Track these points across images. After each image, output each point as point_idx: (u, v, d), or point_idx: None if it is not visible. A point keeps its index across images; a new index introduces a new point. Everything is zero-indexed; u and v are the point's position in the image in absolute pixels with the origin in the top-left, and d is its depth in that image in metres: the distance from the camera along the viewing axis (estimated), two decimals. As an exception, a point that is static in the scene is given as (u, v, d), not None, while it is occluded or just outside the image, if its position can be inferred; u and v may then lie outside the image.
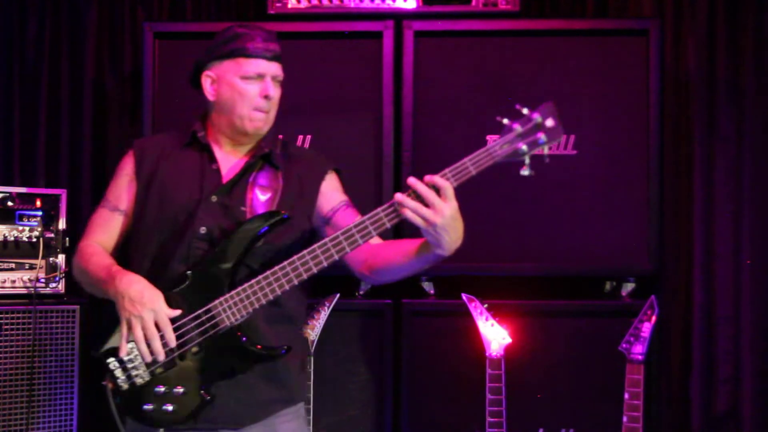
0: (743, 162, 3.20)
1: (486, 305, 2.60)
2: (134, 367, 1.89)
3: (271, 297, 1.86)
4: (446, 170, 1.73)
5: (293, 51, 2.86)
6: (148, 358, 1.84)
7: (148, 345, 1.83)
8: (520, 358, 2.68)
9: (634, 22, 2.95)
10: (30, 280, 2.84)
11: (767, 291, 3.19)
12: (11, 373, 2.76)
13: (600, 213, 2.86)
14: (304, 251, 1.85)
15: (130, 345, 1.86)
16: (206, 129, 2.09)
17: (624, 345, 2.56)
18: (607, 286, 2.97)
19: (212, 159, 2.04)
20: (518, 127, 1.73)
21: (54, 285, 2.89)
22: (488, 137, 2.81)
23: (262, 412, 1.99)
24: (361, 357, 2.81)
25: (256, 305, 1.87)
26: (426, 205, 1.70)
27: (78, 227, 3.26)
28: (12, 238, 2.85)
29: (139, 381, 1.89)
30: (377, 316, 2.81)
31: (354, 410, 2.80)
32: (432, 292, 2.92)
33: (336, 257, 1.83)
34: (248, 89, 1.99)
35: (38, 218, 2.88)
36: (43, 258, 2.87)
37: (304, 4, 2.98)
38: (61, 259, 2.91)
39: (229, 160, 2.06)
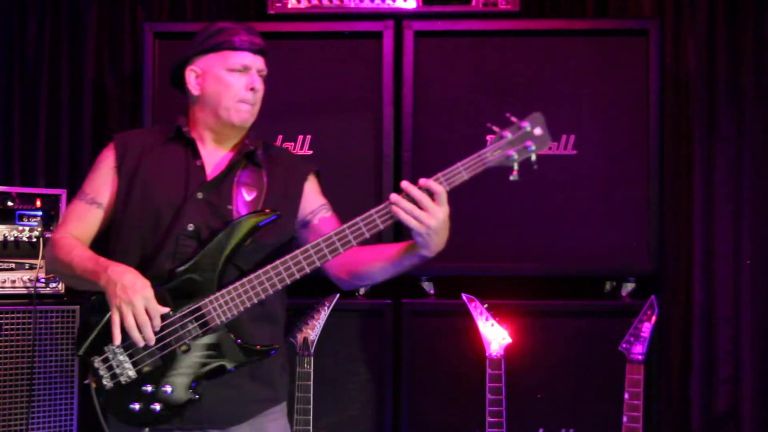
0: (743, 162, 3.20)
1: (486, 305, 2.60)
2: (119, 366, 1.87)
3: (263, 296, 1.87)
4: (439, 174, 1.78)
5: (293, 51, 2.89)
6: (141, 344, 1.82)
7: (140, 332, 1.81)
8: (520, 358, 2.68)
9: (634, 22, 2.95)
10: (30, 280, 2.84)
11: (767, 291, 3.19)
12: (11, 373, 2.76)
13: (600, 213, 2.86)
14: (297, 252, 1.86)
15: (112, 344, 1.85)
16: (189, 125, 2.08)
17: (624, 345, 2.56)
18: (607, 286, 2.97)
19: (196, 155, 2.03)
20: (509, 135, 1.80)
21: (54, 285, 2.89)
22: (488, 137, 2.80)
23: (249, 412, 1.99)
24: (361, 357, 2.81)
25: (248, 304, 1.87)
26: (420, 207, 1.75)
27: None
28: (12, 238, 2.85)
29: (124, 380, 1.88)
30: (377, 316, 2.81)
31: (354, 410, 2.80)
32: (432, 292, 2.92)
33: (329, 257, 1.85)
34: (234, 81, 2.00)
35: (38, 218, 2.88)
36: (43, 258, 2.87)
37: (304, 4, 2.98)
38: (61, 259, 2.91)
39: (212, 156, 2.05)
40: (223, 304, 1.87)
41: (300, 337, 2.60)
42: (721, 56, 3.22)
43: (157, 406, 1.87)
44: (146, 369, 1.87)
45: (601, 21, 3.10)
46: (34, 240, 2.87)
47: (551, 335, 2.79)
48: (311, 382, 2.57)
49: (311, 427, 2.55)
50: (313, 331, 2.61)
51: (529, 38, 2.90)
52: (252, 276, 1.87)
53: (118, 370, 1.88)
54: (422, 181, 1.76)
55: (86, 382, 1.91)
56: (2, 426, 2.73)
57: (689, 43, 3.23)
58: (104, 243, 2.07)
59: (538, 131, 1.81)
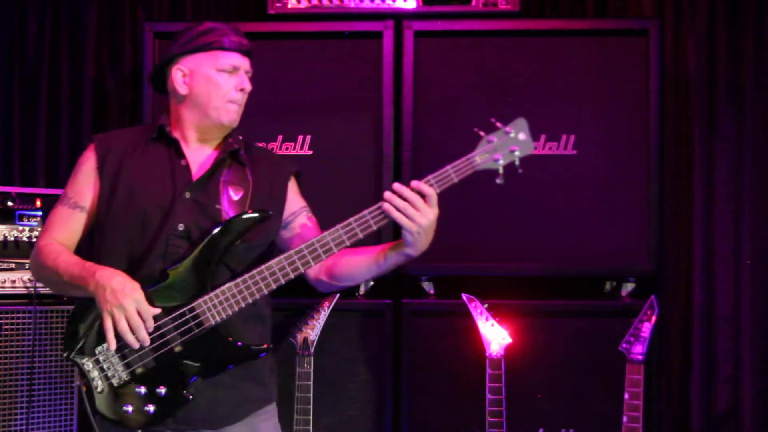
0: (743, 162, 3.20)
1: (486, 305, 2.60)
2: (110, 367, 1.86)
3: (257, 296, 1.87)
4: (430, 177, 1.84)
5: (293, 51, 2.88)
6: (136, 346, 1.81)
7: (134, 334, 1.80)
8: (520, 358, 2.68)
9: (634, 22, 2.95)
10: (30, 280, 2.84)
11: (767, 291, 3.19)
12: (11, 373, 2.76)
13: (600, 213, 2.86)
14: (291, 252, 1.87)
15: (103, 346, 1.84)
16: (171, 124, 2.06)
17: (624, 345, 2.56)
18: (607, 286, 2.97)
19: (180, 154, 2.02)
20: (495, 140, 1.88)
21: (54, 285, 2.89)
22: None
23: (242, 411, 1.98)
24: (361, 357, 2.80)
25: (242, 304, 1.87)
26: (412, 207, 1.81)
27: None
28: (12, 238, 2.85)
29: (116, 381, 1.86)
30: (377, 316, 2.81)
31: (354, 410, 2.80)
32: (432, 292, 2.92)
33: (323, 257, 1.87)
34: (223, 82, 2.00)
35: (38, 218, 2.88)
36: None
37: (304, 4, 2.98)
38: (61, 259, 2.91)
39: (196, 155, 2.04)
40: (218, 304, 1.86)
41: (300, 337, 2.60)
42: (721, 56, 3.22)
43: (151, 408, 1.86)
44: (139, 370, 1.86)
45: (601, 21, 3.10)
46: (34, 240, 2.87)
47: (551, 335, 2.79)
48: (311, 382, 2.57)
49: (311, 427, 2.55)
50: (313, 331, 2.61)
51: (529, 38, 2.90)
52: (246, 276, 1.86)
53: (109, 372, 1.87)
54: (414, 183, 1.82)
55: (76, 384, 1.90)
56: (2, 426, 2.73)
57: (689, 43, 3.23)
58: (88, 246, 2.05)
59: (521, 136, 1.88)
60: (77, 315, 1.90)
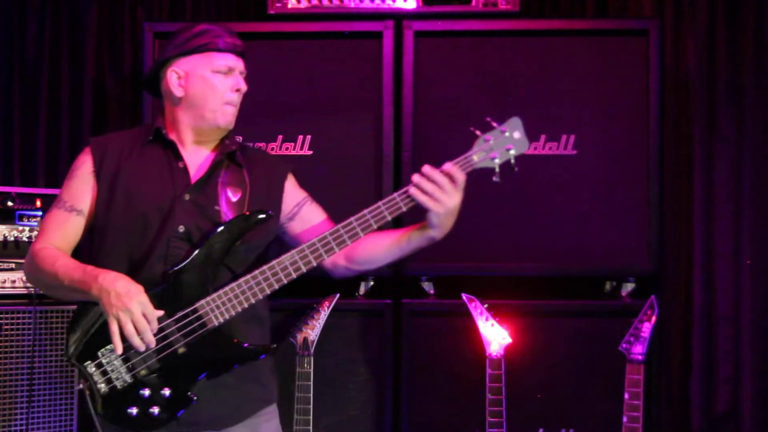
0: (743, 162, 3.20)
1: (486, 305, 2.60)
2: (114, 370, 1.86)
3: (260, 296, 1.87)
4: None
5: (293, 51, 2.88)
6: (142, 349, 1.81)
7: (141, 337, 1.80)
8: (520, 358, 2.68)
9: (634, 22, 2.95)
10: (30, 280, 2.84)
11: (767, 291, 3.19)
12: (11, 373, 2.76)
13: (600, 213, 2.86)
14: (293, 251, 1.88)
15: (108, 347, 1.84)
16: (166, 126, 2.06)
17: (624, 345, 2.56)
18: (607, 286, 2.97)
19: (178, 156, 2.01)
20: (491, 140, 1.91)
21: (54, 285, 2.89)
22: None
23: (244, 412, 1.99)
24: (361, 357, 2.80)
25: (245, 304, 1.87)
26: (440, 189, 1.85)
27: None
28: (12, 238, 2.85)
29: (120, 384, 1.86)
30: (377, 316, 2.81)
31: (354, 410, 2.80)
32: (432, 292, 2.92)
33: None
34: (219, 83, 2.00)
35: (38, 218, 2.88)
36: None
37: (304, 4, 2.98)
38: (61, 259, 2.91)
39: (194, 157, 2.04)
40: (221, 305, 1.86)
41: (300, 337, 2.60)
42: (721, 56, 3.22)
43: (156, 410, 1.85)
44: (143, 372, 1.86)
45: (601, 21, 3.10)
46: (34, 240, 2.87)
47: (551, 335, 2.79)
48: (311, 382, 2.57)
49: (311, 427, 2.55)
50: (313, 331, 2.61)
51: (529, 38, 2.90)
52: (249, 276, 1.87)
53: (113, 375, 1.86)
54: (446, 166, 1.87)
55: (79, 387, 1.88)
56: (2, 426, 2.73)
57: (689, 43, 3.23)
58: (83, 249, 2.05)
59: (516, 135, 1.91)
60: (78, 318, 1.89)
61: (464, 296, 2.63)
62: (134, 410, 1.85)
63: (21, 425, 2.76)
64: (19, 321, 2.79)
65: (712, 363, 3.21)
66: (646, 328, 2.54)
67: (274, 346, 1.95)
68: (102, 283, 1.80)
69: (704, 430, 3.20)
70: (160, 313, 1.83)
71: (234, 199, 1.99)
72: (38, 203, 2.90)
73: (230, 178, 2.02)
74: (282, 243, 2.11)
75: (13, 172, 3.36)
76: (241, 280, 1.87)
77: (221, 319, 1.87)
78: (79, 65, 3.40)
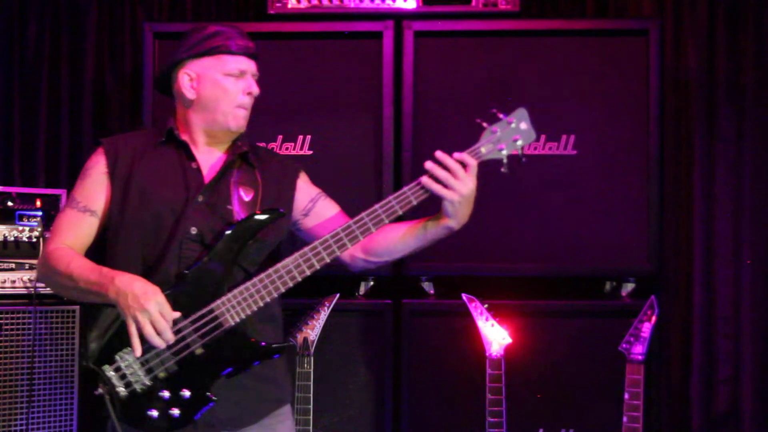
0: (743, 162, 3.20)
1: (486, 305, 2.60)
2: (132, 373, 1.86)
3: (275, 294, 1.88)
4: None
5: (293, 51, 2.89)
6: (162, 346, 1.81)
7: (160, 337, 1.80)
8: (520, 358, 2.68)
9: (634, 22, 2.95)
10: (30, 280, 2.84)
11: (767, 291, 3.19)
12: (11, 373, 2.76)
13: (600, 213, 2.86)
14: (305, 248, 1.88)
15: (126, 350, 1.84)
16: (179, 128, 2.06)
17: (624, 345, 2.56)
18: (607, 286, 2.97)
19: (191, 157, 2.02)
20: (498, 131, 1.90)
21: (54, 285, 2.89)
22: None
23: (259, 412, 1.99)
24: (361, 357, 2.80)
25: (260, 303, 1.88)
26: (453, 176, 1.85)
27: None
28: (12, 238, 2.85)
29: (139, 387, 1.86)
30: (377, 316, 2.81)
31: (354, 410, 2.80)
32: (432, 292, 2.92)
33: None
34: (231, 86, 2.00)
35: (38, 218, 2.88)
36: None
37: (304, 4, 2.98)
38: (61, 259, 2.91)
39: (206, 158, 2.04)
40: (236, 305, 1.87)
41: (300, 337, 2.60)
42: (721, 56, 3.22)
43: (176, 411, 1.86)
44: (161, 374, 1.86)
45: (601, 21, 3.10)
46: (34, 240, 2.87)
47: (551, 335, 2.79)
48: (311, 382, 2.57)
49: (311, 427, 2.55)
50: (313, 331, 2.61)
51: (529, 38, 2.90)
52: (263, 275, 1.87)
53: (131, 378, 1.86)
54: (456, 154, 1.87)
55: (98, 392, 1.87)
56: (2, 426, 2.73)
57: (689, 43, 3.23)
58: (97, 250, 2.04)
59: (523, 126, 1.91)
60: (92, 323, 1.89)
61: (464, 296, 2.63)
62: (155, 412, 1.86)
63: (21, 425, 2.76)
64: (19, 321, 2.79)
65: (712, 363, 3.21)
66: (646, 328, 2.54)
67: (289, 343, 1.95)
68: (119, 285, 1.80)
69: (704, 430, 3.20)
70: (177, 314, 1.82)
71: (246, 198, 1.99)
72: (38, 203, 2.90)
73: (242, 178, 2.02)
74: (295, 241, 2.11)
75: (13, 172, 3.36)
76: (256, 279, 1.87)
77: (237, 319, 1.87)
78: (79, 65, 3.40)
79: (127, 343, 1.81)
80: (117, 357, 1.86)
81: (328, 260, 1.89)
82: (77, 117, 3.40)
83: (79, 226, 1.99)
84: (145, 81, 2.92)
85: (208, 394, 1.87)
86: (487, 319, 2.58)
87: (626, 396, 2.53)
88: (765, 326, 3.19)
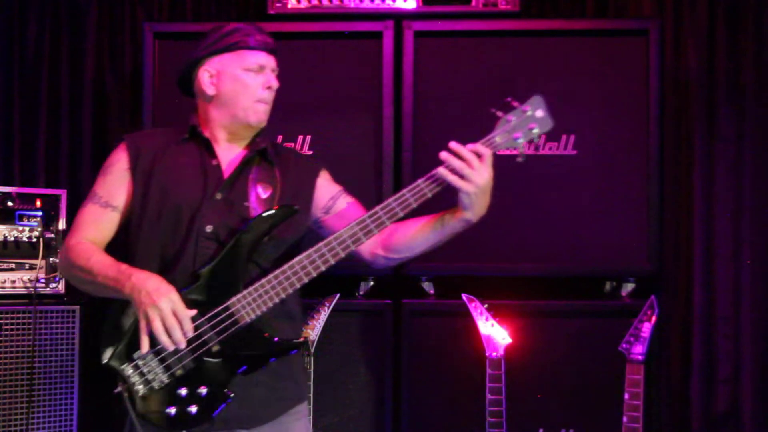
0: (743, 162, 3.20)
1: (486, 305, 2.60)
2: (150, 371, 1.86)
3: (290, 291, 1.87)
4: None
5: (293, 51, 2.88)
6: (171, 348, 1.80)
7: (169, 336, 1.79)
8: (520, 358, 2.68)
9: (634, 22, 2.95)
10: (30, 281, 2.84)
11: (767, 291, 3.19)
12: (11, 373, 2.76)
13: (600, 213, 2.86)
14: (320, 243, 1.87)
15: (144, 351, 1.84)
16: (201, 125, 2.08)
17: (624, 345, 2.56)
18: (607, 286, 2.97)
19: (212, 154, 2.03)
20: (514, 119, 1.88)
21: (54, 285, 2.89)
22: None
23: (275, 410, 1.99)
24: (361, 357, 2.80)
25: (276, 300, 1.87)
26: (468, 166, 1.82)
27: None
28: (12, 238, 2.85)
29: (157, 385, 1.87)
30: (377, 316, 2.81)
31: (354, 410, 2.80)
32: (432, 292, 2.92)
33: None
34: (251, 81, 2.01)
35: (38, 218, 2.88)
36: (43, 258, 2.87)
37: (304, 4, 2.98)
38: (61, 259, 2.91)
39: (227, 155, 2.05)
40: (252, 302, 1.87)
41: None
42: (721, 56, 3.22)
43: (194, 408, 1.86)
44: (179, 372, 1.86)
45: (601, 21, 3.10)
46: (34, 240, 2.87)
47: (551, 335, 2.79)
48: (311, 382, 2.57)
49: (311, 427, 2.55)
50: (313, 331, 2.61)
51: (529, 38, 2.90)
52: (278, 271, 1.87)
53: (150, 376, 1.87)
54: (470, 145, 1.84)
55: (117, 391, 1.88)
56: (2, 426, 2.73)
57: (689, 43, 3.23)
58: (117, 245, 2.05)
59: (539, 113, 1.89)
60: (112, 320, 1.90)
61: (464, 296, 2.63)
62: (173, 410, 1.86)
63: (21, 425, 2.76)
64: (19, 321, 2.79)
65: (712, 363, 3.21)
66: (646, 328, 2.54)
67: (304, 339, 1.95)
68: (135, 281, 1.81)
69: (704, 430, 3.20)
70: (193, 312, 1.82)
71: (264, 195, 2.00)
72: (38, 203, 2.90)
73: (261, 174, 2.03)
74: (318, 239, 2.10)
75: (13, 172, 3.36)
76: (271, 275, 1.87)
77: (252, 316, 1.87)
78: (79, 65, 3.40)
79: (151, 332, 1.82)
80: (135, 355, 1.87)
81: (342, 255, 1.88)
82: (77, 117, 3.40)
83: (100, 221, 2.00)
84: (145, 81, 2.92)
85: (225, 391, 1.87)
86: (487, 319, 2.58)
87: (626, 396, 2.53)
88: (765, 326, 3.19)
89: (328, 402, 2.76)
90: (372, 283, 2.91)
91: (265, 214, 1.91)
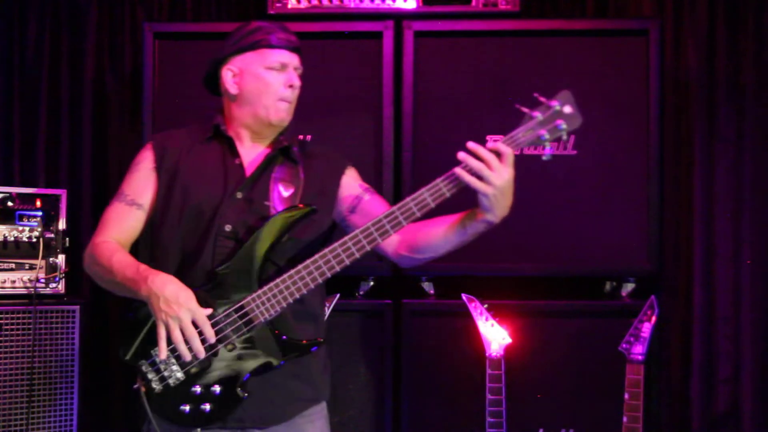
0: (743, 162, 3.20)
1: (486, 305, 2.60)
2: (168, 368, 1.87)
3: (304, 291, 1.86)
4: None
5: (293, 51, 2.88)
6: (188, 358, 1.81)
7: (188, 345, 1.80)
8: (520, 358, 2.68)
9: (634, 22, 2.95)
10: (30, 280, 2.84)
11: (767, 291, 3.19)
12: (11, 373, 2.76)
13: (600, 213, 2.86)
14: (335, 244, 1.85)
15: (162, 357, 1.85)
16: (225, 123, 2.08)
17: (624, 345, 2.56)
18: (607, 286, 2.97)
19: (235, 153, 2.04)
20: (539, 115, 1.77)
21: (54, 285, 2.89)
22: (488, 137, 2.81)
23: (289, 411, 1.99)
24: (361, 357, 2.80)
25: (290, 300, 1.86)
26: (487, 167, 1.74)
27: (78, 227, 3.27)
28: (12, 238, 2.85)
29: (173, 382, 1.87)
30: (377, 316, 2.81)
31: (354, 410, 2.80)
32: (432, 292, 2.92)
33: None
34: (273, 79, 2.01)
35: (38, 218, 2.88)
36: (43, 258, 2.87)
37: (304, 4, 2.98)
38: (61, 259, 2.91)
39: (250, 154, 2.05)
40: (266, 301, 1.86)
41: (300, 337, 2.60)
42: (721, 56, 3.22)
43: (207, 406, 1.87)
44: (194, 370, 1.87)
45: (601, 21, 3.10)
46: (34, 240, 2.87)
47: (551, 335, 2.79)
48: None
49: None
50: (313, 331, 2.61)
51: (529, 38, 2.90)
52: (292, 271, 1.86)
53: (166, 373, 1.87)
54: (489, 144, 1.75)
55: (135, 387, 1.90)
56: (2, 426, 2.73)
57: (689, 43, 3.23)
58: (143, 243, 2.06)
59: (567, 109, 1.78)
60: (132, 318, 1.90)
61: (464, 296, 2.63)
62: (187, 407, 1.87)
63: (21, 425, 2.76)
64: (19, 321, 2.79)
65: (712, 363, 3.21)
66: (646, 328, 2.54)
67: (321, 340, 1.94)
68: (151, 286, 1.81)
69: (704, 430, 3.20)
70: (209, 311, 1.83)
71: (286, 194, 1.99)
72: (38, 203, 2.90)
73: (284, 173, 2.02)
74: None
75: (13, 172, 3.36)
76: (285, 275, 1.86)
77: (267, 315, 1.86)
78: (79, 65, 3.40)
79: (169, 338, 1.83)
80: (152, 352, 1.88)
81: (358, 256, 1.85)
82: (77, 117, 3.40)
83: (126, 219, 2.02)
84: (145, 81, 2.92)
85: (239, 390, 1.87)
86: (487, 319, 2.58)
87: (626, 396, 2.53)
88: (765, 326, 3.19)
89: (328, 402, 2.75)
90: (372, 283, 2.91)
91: (282, 213, 1.91)
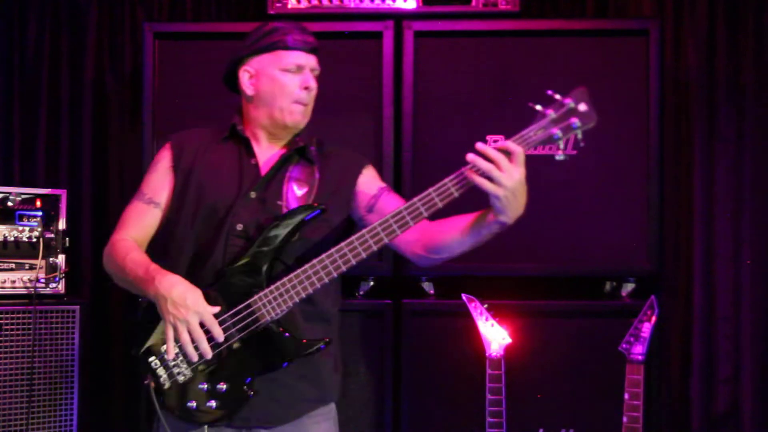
0: (743, 162, 3.20)
1: (486, 305, 2.60)
2: (176, 365, 1.89)
3: (310, 290, 1.86)
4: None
5: (293, 51, 2.87)
6: (195, 359, 1.83)
7: (195, 347, 1.82)
8: (520, 358, 2.68)
9: (634, 22, 2.95)
10: (30, 280, 2.84)
11: (767, 291, 3.19)
12: (11, 373, 2.76)
13: (600, 213, 2.86)
14: (342, 244, 1.84)
15: (170, 357, 1.86)
16: (243, 123, 2.09)
17: (624, 345, 2.56)
18: (607, 286, 2.97)
19: (251, 153, 2.04)
20: (552, 113, 1.73)
21: (54, 285, 2.89)
22: (488, 137, 2.81)
23: (295, 411, 1.99)
24: (361, 357, 2.81)
25: (296, 299, 1.86)
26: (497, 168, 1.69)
27: (78, 227, 3.27)
28: (12, 238, 2.85)
29: (181, 378, 1.89)
30: (377, 316, 2.81)
31: (354, 410, 2.80)
32: (432, 292, 2.92)
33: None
34: (288, 81, 2.01)
35: (38, 218, 2.88)
36: (43, 258, 2.87)
37: (304, 4, 2.98)
38: (61, 259, 2.91)
39: (266, 154, 2.06)
40: (272, 300, 1.86)
41: (300, 337, 2.60)
42: (721, 56, 3.22)
43: (213, 403, 1.88)
44: (201, 367, 1.88)
45: (601, 21, 3.10)
46: (34, 240, 2.87)
47: (551, 335, 2.79)
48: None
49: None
50: (313, 331, 2.61)
51: (529, 38, 2.90)
52: (299, 270, 1.86)
53: (175, 369, 1.89)
54: (500, 142, 1.70)
55: (146, 383, 1.92)
56: (2, 426, 2.73)
57: (689, 43, 3.23)
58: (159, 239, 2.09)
59: (582, 107, 1.73)
60: (145, 315, 1.92)
61: (464, 296, 2.62)
62: (194, 404, 1.89)
63: (21, 425, 2.76)
64: (19, 321, 2.79)
65: (712, 363, 3.21)
66: (646, 328, 2.54)
67: (329, 341, 1.93)
68: (158, 287, 1.83)
69: (704, 430, 3.20)
70: (216, 309, 1.84)
71: (299, 193, 2.00)
72: (38, 203, 2.90)
73: (299, 173, 2.03)
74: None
75: (13, 172, 3.36)
76: (292, 274, 1.86)
77: (273, 314, 1.86)
78: (79, 65, 3.40)
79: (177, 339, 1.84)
80: (162, 349, 1.89)
81: (364, 256, 1.83)
82: (77, 117, 3.40)
83: (144, 217, 2.04)
84: (145, 81, 2.92)
85: (245, 388, 1.88)
86: (487, 319, 2.58)
87: (626, 396, 2.53)
88: (765, 326, 3.19)
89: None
90: (372, 283, 2.91)
91: (292, 213, 1.91)
